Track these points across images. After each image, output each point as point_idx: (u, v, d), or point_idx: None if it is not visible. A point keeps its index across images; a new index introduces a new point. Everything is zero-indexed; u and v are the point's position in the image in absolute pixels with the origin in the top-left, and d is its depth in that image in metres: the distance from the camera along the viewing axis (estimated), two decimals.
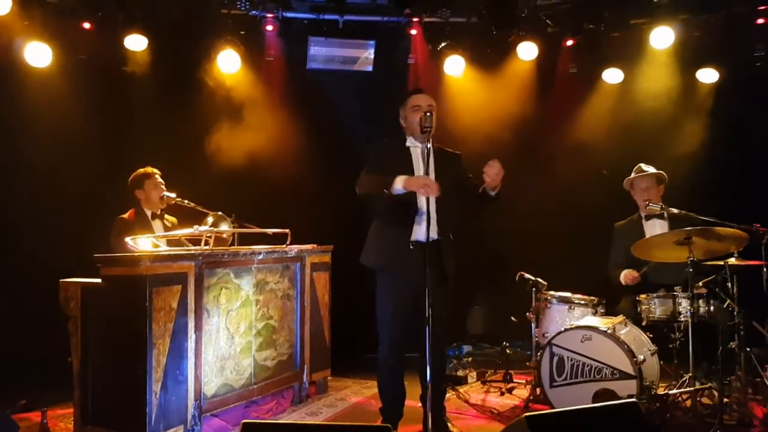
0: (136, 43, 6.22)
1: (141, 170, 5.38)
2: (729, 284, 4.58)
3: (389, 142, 4.28)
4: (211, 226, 4.81)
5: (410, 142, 4.17)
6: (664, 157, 5.77)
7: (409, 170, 4.05)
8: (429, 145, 3.88)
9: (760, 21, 6.29)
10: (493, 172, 3.82)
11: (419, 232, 3.99)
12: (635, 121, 6.81)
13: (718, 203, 5.26)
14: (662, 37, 6.34)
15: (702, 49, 6.52)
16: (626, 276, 5.13)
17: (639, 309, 4.88)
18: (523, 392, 5.33)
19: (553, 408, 4.49)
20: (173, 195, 5.34)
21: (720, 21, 6.38)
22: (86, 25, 6.17)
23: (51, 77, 6.04)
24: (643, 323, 4.80)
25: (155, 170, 5.40)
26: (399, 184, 3.86)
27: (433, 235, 3.92)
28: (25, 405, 4.88)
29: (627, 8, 6.40)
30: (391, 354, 4.14)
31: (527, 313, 5.29)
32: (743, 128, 6.41)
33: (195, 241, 4.81)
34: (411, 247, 4.00)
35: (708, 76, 6.63)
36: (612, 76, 6.87)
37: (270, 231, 5.16)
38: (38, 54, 5.90)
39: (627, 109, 6.89)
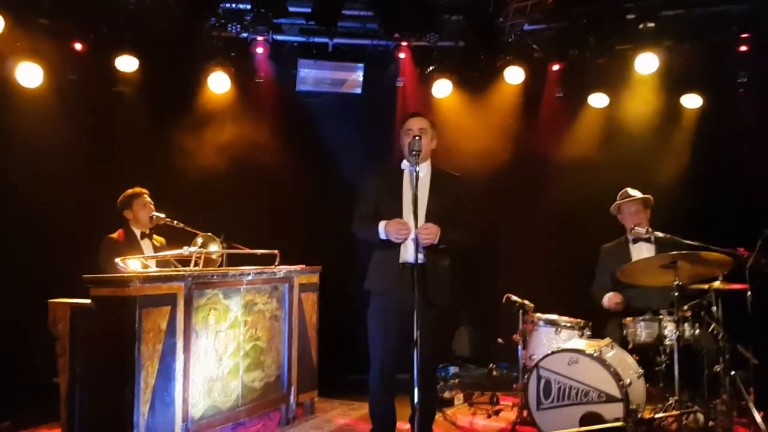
0: (127, 64, 6.26)
1: (129, 190, 5.41)
2: (714, 308, 4.64)
3: (386, 166, 4.37)
4: (200, 247, 4.81)
5: (404, 164, 4.23)
6: (648, 180, 5.84)
7: (398, 194, 4.13)
8: (417, 169, 3.92)
9: (743, 48, 6.42)
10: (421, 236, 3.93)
11: (407, 254, 4.03)
12: (620, 144, 6.90)
13: (702, 227, 5.32)
14: (647, 63, 6.43)
15: (686, 75, 6.63)
16: (610, 300, 5.14)
17: (625, 332, 4.93)
18: (510, 415, 5.34)
19: (541, 431, 4.52)
20: (162, 215, 5.35)
21: (703, 48, 6.50)
22: (78, 46, 6.22)
23: (42, 97, 6.05)
24: (630, 346, 4.84)
25: (144, 190, 5.42)
26: (381, 230, 4.05)
27: (420, 258, 3.95)
28: (9, 427, 4.83)
29: (612, 34, 6.49)
30: (381, 376, 4.14)
31: (514, 335, 5.31)
32: (726, 153, 6.51)
33: (184, 261, 4.81)
34: (400, 268, 4.03)
35: (692, 101, 6.74)
36: (597, 100, 6.96)
37: (259, 252, 5.17)
38: (29, 74, 5.90)
39: (612, 133, 6.98)
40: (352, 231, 4.29)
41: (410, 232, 3.93)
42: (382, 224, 4.05)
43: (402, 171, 4.22)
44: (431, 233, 3.93)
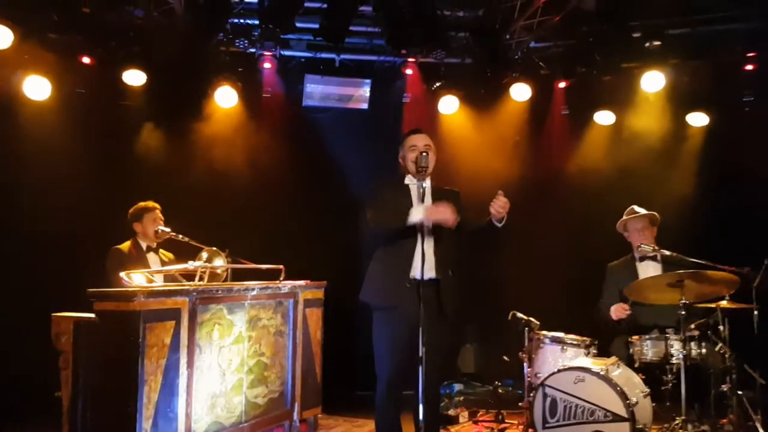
0: (134, 78, 6.29)
1: (142, 204, 5.37)
2: (720, 327, 4.61)
3: (390, 179, 4.32)
4: (205, 262, 4.81)
5: (409, 180, 4.20)
6: (654, 198, 5.82)
7: (409, 207, 4.06)
8: (425, 184, 3.93)
9: (749, 67, 6.45)
10: (498, 205, 3.87)
11: (416, 271, 4.00)
12: (626, 162, 6.89)
13: (709, 246, 5.30)
14: (653, 81, 6.46)
15: (692, 94, 6.66)
16: (616, 309, 5.09)
17: (631, 350, 4.88)
18: None
19: None
20: (168, 229, 5.33)
21: (709, 66, 6.53)
22: (86, 60, 6.26)
23: (49, 110, 6.09)
24: (636, 365, 4.80)
25: (156, 205, 5.38)
26: (418, 215, 3.89)
27: (431, 274, 3.95)
28: None
29: (618, 52, 6.51)
30: (387, 392, 4.08)
31: (519, 353, 5.27)
32: (732, 171, 6.50)
33: (189, 276, 4.80)
34: (408, 285, 4.00)
35: (698, 119, 6.75)
36: (604, 117, 6.98)
37: (264, 267, 5.16)
38: (38, 87, 5.96)
39: (618, 150, 6.98)
40: (370, 219, 4.07)
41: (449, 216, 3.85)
42: (419, 208, 3.88)
43: (407, 186, 4.20)
44: (505, 207, 3.85)
